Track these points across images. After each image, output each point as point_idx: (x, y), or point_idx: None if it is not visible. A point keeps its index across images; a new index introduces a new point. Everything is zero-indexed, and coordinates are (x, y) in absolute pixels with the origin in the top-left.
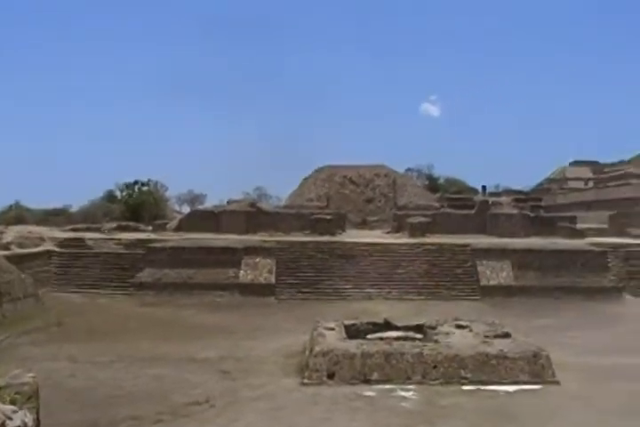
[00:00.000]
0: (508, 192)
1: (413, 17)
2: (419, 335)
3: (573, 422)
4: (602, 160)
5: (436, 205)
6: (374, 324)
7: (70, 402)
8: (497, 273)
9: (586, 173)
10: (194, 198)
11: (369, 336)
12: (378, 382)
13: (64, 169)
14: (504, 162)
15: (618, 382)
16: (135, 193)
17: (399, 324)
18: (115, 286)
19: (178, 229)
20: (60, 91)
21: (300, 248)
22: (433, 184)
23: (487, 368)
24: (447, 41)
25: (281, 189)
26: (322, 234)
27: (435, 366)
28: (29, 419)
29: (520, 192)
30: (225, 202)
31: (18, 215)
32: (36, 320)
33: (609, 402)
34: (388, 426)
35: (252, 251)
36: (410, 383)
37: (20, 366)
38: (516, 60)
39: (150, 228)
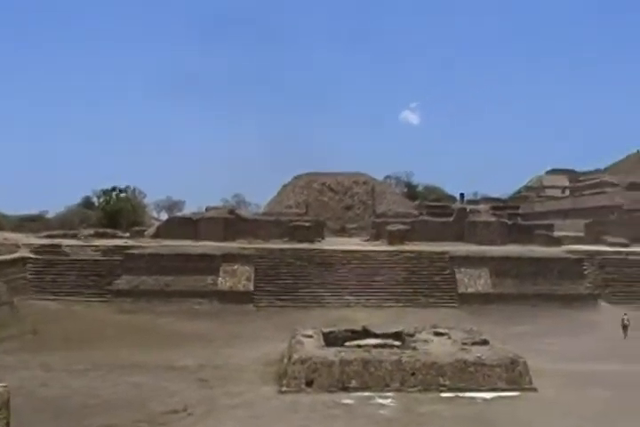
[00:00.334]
0: (486, 200)
1: (394, 26)
2: (397, 343)
3: None
4: (578, 169)
5: (415, 212)
6: (353, 331)
7: (43, 412)
8: (475, 281)
9: (563, 181)
10: (172, 205)
11: (347, 344)
12: (356, 389)
13: (40, 175)
14: (482, 170)
15: (594, 388)
16: (113, 199)
17: (378, 331)
18: (91, 293)
19: (156, 235)
20: (39, 92)
21: (278, 255)
22: (412, 192)
23: (465, 375)
24: (427, 50)
25: (260, 196)
26: (301, 241)
27: (413, 374)
28: None
29: (498, 200)
30: (203, 209)
31: None
32: (10, 328)
33: (585, 409)
34: None
35: (230, 258)
36: (388, 391)
37: None
38: (495, 70)
39: (128, 234)
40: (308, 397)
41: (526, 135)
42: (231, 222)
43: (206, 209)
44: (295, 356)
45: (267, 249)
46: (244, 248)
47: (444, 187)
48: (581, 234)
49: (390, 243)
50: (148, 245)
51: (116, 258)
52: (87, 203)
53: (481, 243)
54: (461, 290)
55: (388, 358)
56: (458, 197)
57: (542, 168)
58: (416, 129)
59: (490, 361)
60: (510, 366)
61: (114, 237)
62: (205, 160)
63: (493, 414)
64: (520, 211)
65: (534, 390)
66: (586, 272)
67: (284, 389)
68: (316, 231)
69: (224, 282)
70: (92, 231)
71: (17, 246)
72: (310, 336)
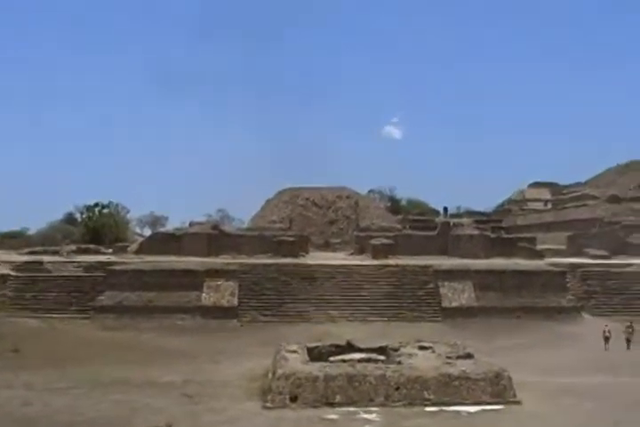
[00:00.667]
0: (469, 213)
1: (378, 40)
2: (382, 357)
3: None
4: (560, 182)
5: (399, 226)
6: (337, 346)
7: None
8: (459, 294)
9: (545, 194)
10: (155, 221)
11: (332, 359)
12: (341, 404)
13: (21, 191)
14: (465, 184)
15: (577, 400)
16: (95, 215)
17: (362, 346)
18: (74, 310)
19: (139, 251)
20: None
21: (262, 271)
22: (395, 206)
23: (450, 389)
24: (410, 65)
25: (244, 211)
26: (285, 256)
27: (397, 388)
28: None
29: (481, 213)
30: (187, 224)
31: None
32: None
33: (569, 421)
34: None
35: (214, 273)
36: (373, 405)
37: None
38: (476, 84)
39: (111, 250)
40: (293, 412)
41: (509, 149)
42: (215, 238)
43: (190, 224)
44: (279, 371)
45: (251, 264)
46: (228, 263)
47: (427, 201)
48: (564, 247)
49: (374, 257)
50: (131, 261)
51: (98, 274)
52: (70, 219)
53: (464, 256)
54: (445, 304)
55: (373, 373)
56: (441, 210)
57: (525, 181)
58: (399, 143)
59: (474, 375)
60: (494, 379)
61: (97, 253)
62: (189, 175)
63: None
64: (503, 224)
65: (518, 403)
66: (568, 285)
67: (268, 404)
68: (300, 246)
69: (208, 298)
70: (74, 247)
71: None
72: (295, 351)
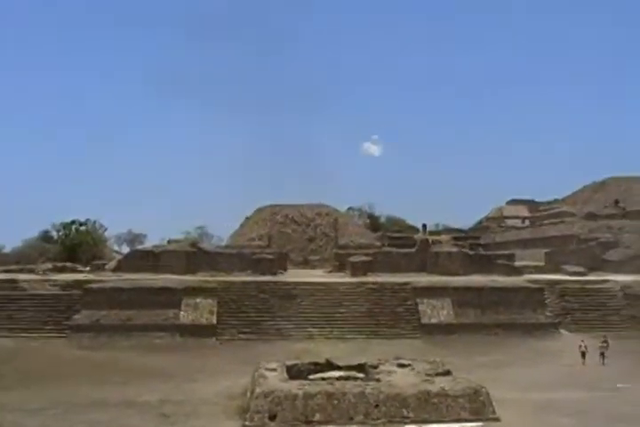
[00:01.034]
0: (447, 230)
1: (358, 57)
2: (361, 375)
3: None
4: (537, 199)
5: (378, 243)
6: (316, 364)
7: None
8: (437, 311)
9: (522, 211)
10: (133, 238)
11: (311, 377)
12: (320, 422)
13: None
14: (444, 201)
15: (554, 416)
16: (72, 233)
17: (341, 363)
18: (50, 329)
19: (117, 269)
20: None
21: (241, 288)
22: (374, 223)
23: (429, 407)
24: (389, 82)
25: (223, 229)
26: (263, 274)
27: (377, 406)
28: None
29: (459, 230)
30: (165, 242)
31: None
32: None
33: None
34: None
35: (192, 291)
36: (352, 423)
37: None
38: (453, 101)
39: (88, 268)
40: None
41: (487, 166)
42: (193, 255)
43: (168, 242)
44: (258, 390)
45: (229, 282)
46: (207, 281)
47: (406, 218)
48: (541, 263)
49: (353, 274)
50: (109, 279)
51: (75, 293)
52: (46, 236)
53: (443, 273)
54: (424, 321)
55: (352, 391)
56: (420, 227)
57: (503, 199)
58: (378, 161)
59: (453, 392)
60: (473, 396)
61: (73, 271)
62: (168, 192)
63: None
64: (481, 241)
65: (497, 420)
66: (546, 301)
67: (247, 423)
68: (279, 263)
69: (186, 316)
70: (50, 266)
71: None
72: (273, 369)
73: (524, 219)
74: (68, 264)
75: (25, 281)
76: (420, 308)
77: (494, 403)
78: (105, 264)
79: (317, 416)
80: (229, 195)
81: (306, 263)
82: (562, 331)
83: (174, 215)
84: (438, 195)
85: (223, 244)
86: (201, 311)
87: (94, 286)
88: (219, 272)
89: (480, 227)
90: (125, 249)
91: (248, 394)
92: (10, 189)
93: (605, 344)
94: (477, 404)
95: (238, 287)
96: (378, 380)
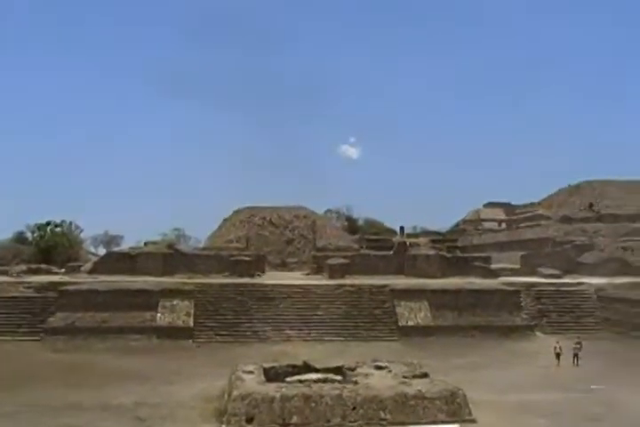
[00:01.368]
0: (425, 233)
1: (334, 60)
2: (338, 377)
3: None
4: (514, 202)
5: (356, 246)
6: (294, 366)
7: None
8: (415, 313)
9: (499, 214)
10: (110, 240)
11: (288, 379)
12: (297, 425)
13: None
14: (421, 203)
15: (530, 418)
16: (47, 234)
17: (318, 366)
18: (24, 332)
19: (93, 271)
20: None
21: (218, 290)
22: (352, 225)
23: (406, 409)
24: (367, 85)
25: (200, 231)
26: (241, 276)
27: (354, 408)
28: None
29: (437, 233)
30: (142, 243)
31: None
32: None
33: None
34: None
35: (169, 293)
36: (330, 426)
37: None
38: (432, 104)
39: (63, 270)
40: None
41: (464, 168)
42: (170, 257)
43: (145, 244)
44: (235, 392)
45: (207, 284)
46: (184, 283)
47: (384, 221)
48: (517, 266)
49: (331, 277)
50: (85, 280)
51: (50, 295)
52: (20, 238)
53: (421, 276)
54: (402, 323)
55: (329, 393)
56: (398, 230)
57: (479, 201)
58: (355, 163)
59: (430, 394)
60: (450, 398)
61: (48, 273)
62: (145, 193)
63: None
64: (458, 243)
65: (474, 421)
66: (522, 304)
67: (224, 426)
68: (257, 266)
69: (163, 318)
70: (24, 267)
71: None
72: (251, 372)
73: (500, 222)
74: (43, 266)
75: None
76: (398, 310)
77: (471, 405)
78: (81, 266)
79: (295, 419)
80: (207, 196)
81: (284, 266)
82: (537, 333)
83: (151, 217)
84: (416, 197)
85: (200, 246)
86: (178, 313)
87: (70, 288)
88: (196, 274)
89: (457, 229)
90: (102, 251)
91: (225, 397)
92: None
93: (579, 346)
94: (454, 406)
95: (215, 289)
96: (355, 382)
